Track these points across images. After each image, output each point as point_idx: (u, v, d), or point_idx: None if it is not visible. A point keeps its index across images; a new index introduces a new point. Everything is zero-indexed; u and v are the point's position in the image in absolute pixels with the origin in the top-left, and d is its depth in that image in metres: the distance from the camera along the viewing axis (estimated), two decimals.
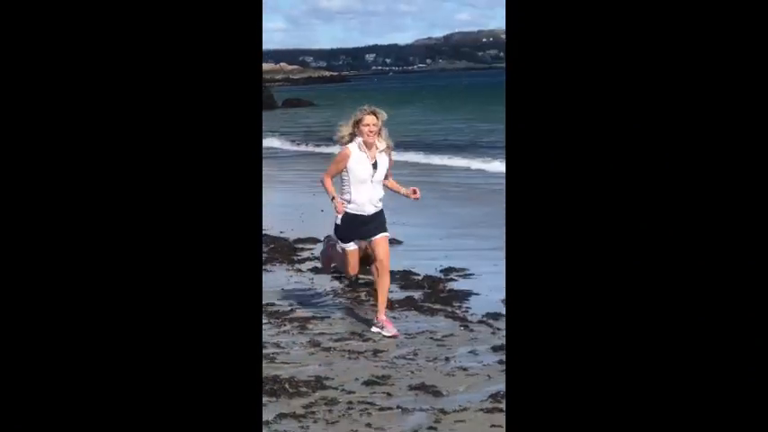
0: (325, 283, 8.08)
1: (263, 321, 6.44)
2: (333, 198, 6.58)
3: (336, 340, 6.23)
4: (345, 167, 6.52)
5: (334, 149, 7.70)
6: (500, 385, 5.23)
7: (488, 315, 6.88)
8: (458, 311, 7.06)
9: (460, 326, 6.64)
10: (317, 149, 25.87)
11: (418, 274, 8.21)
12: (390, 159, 6.70)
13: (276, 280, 8.10)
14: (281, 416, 4.63)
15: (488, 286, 7.82)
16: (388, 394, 5.09)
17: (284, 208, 12.44)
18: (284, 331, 6.44)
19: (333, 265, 7.47)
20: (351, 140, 6.52)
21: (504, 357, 5.85)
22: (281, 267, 8.70)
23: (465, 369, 5.63)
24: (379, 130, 6.52)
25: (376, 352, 5.99)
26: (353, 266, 6.91)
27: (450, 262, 8.68)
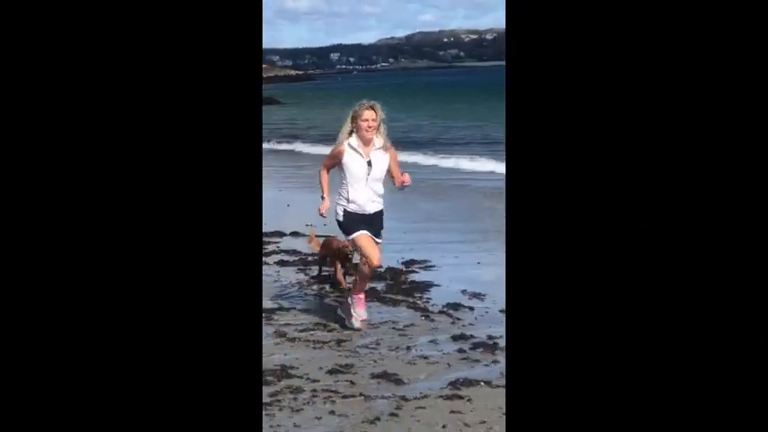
0: (290, 275, 8.08)
1: None
2: (322, 197, 6.37)
3: (301, 331, 6.23)
4: (341, 164, 6.22)
5: (302, 147, 7.65)
6: (459, 373, 5.29)
7: (449, 305, 6.93)
8: (419, 302, 7.10)
9: (422, 316, 6.66)
10: (283, 147, 25.79)
11: (381, 267, 8.23)
12: (394, 158, 6.39)
13: None
14: None
15: (449, 277, 7.88)
16: (352, 382, 5.11)
17: None
18: None
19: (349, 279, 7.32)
20: (350, 137, 6.23)
21: (463, 346, 5.91)
22: None
23: (426, 358, 5.66)
24: (378, 125, 6.22)
25: (339, 342, 6.00)
26: (373, 250, 6.26)
27: (413, 255, 8.70)
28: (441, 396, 4.85)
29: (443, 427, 4.37)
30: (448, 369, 5.44)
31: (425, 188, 14.75)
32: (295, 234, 10.00)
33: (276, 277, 7.99)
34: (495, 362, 5.59)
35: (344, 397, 4.82)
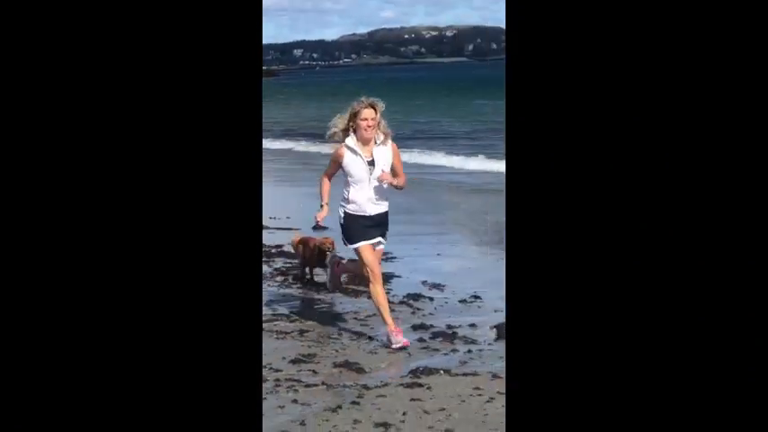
0: None
1: None
2: (321, 205, 5.95)
3: (265, 321, 6.21)
4: (342, 167, 5.81)
5: (265, 143, 7.53)
6: (419, 362, 5.31)
7: (409, 296, 6.96)
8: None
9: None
10: None
11: (343, 258, 8.22)
12: (397, 154, 5.95)
13: None
14: None
15: (409, 269, 7.91)
16: (314, 372, 5.10)
17: None
18: None
19: (344, 278, 7.12)
20: (346, 136, 5.76)
21: (423, 336, 5.93)
22: None
23: (387, 347, 5.67)
24: (378, 123, 5.76)
25: (302, 332, 5.99)
26: (375, 263, 5.90)
27: None
28: (401, 384, 4.86)
29: (404, 414, 4.38)
30: (408, 358, 5.46)
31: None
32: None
33: None
34: (454, 350, 5.62)
35: (307, 386, 4.81)
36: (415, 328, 6.07)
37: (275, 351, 5.47)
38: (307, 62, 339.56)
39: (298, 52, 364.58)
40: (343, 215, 5.87)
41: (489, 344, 5.75)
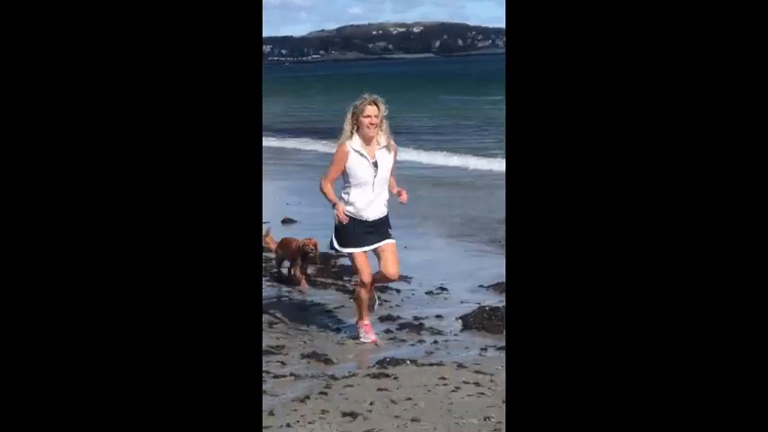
0: None
1: None
2: (334, 204, 5.49)
3: None
4: (345, 169, 5.48)
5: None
6: (386, 353, 5.32)
7: (376, 288, 6.91)
8: (348, 285, 7.10)
9: (350, 298, 6.67)
10: None
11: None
12: (395, 155, 5.66)
13: None
14: None
15: (376, 261, 7.88)
16: (282, 363, 5.09)
17: None
18: None
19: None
20: (351, 136, 5.48)
21: (390, 327, 5.94)
22: None
23: (354, 338, 5.68)
24: (381, 122, 5.49)
25: (271, 324, 5.97)
26: (365, 269, 5.62)
27: None
28: (368, 375, 4.86)
29: (371, 403, 4.38)
30: (375, 349, 5.47)
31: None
32: None
33: None
34: (420, 341, 5.63)
35: (275, 377, 4.80)
36: (383, 319, 6.07)
37: None
38: (275, 58, 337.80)
39: (266, 48, 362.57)
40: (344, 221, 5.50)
41: (455, 334, 5.77)
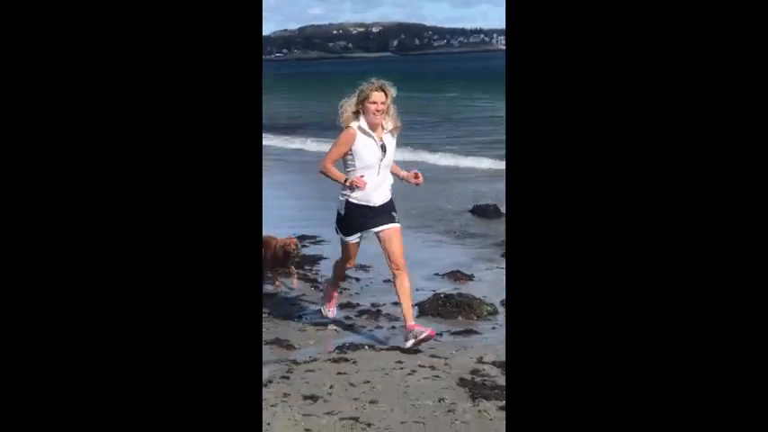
0: None
1: None
2: (345, 180, 5.06)
3: None
4: (350, 151, 5.04)
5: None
6: (345, 338, 5.34)
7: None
8: (309, 274, 7.10)
9: (311, 286, 6.66)
10: None
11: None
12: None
13: None
14: None
15: (337, 251, 7.87)
16: None
17: None
18: None
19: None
20: (355, 120, 5.06)
21: (350, 314, 5.95)
22: None
23: (315, 325, 5.68)
24: (388, 108, 5.07)
25: None
26: (352, 258, 5.43)
27: (306, 230, 8.68)
28: (328, 359, 4.87)
29: (331, 387, 4.39)
30: (336, 335, 5.48)
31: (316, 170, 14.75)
32: None
33: None
34: (378, 327, 5.66)
35: None
36: (342, 306, 6.08)
37: None
38: None
39: None
40: (344, 204, 5.16)
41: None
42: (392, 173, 5.26)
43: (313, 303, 6.16)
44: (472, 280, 6.95)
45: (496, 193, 10.77)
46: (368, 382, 4.50)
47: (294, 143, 20.73)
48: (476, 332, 5.56)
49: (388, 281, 6.87)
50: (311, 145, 19.69)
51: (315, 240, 8.40)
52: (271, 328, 5.55)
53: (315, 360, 4.86)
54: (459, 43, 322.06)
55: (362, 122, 5.03)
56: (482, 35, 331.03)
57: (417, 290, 6.47)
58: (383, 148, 5.08)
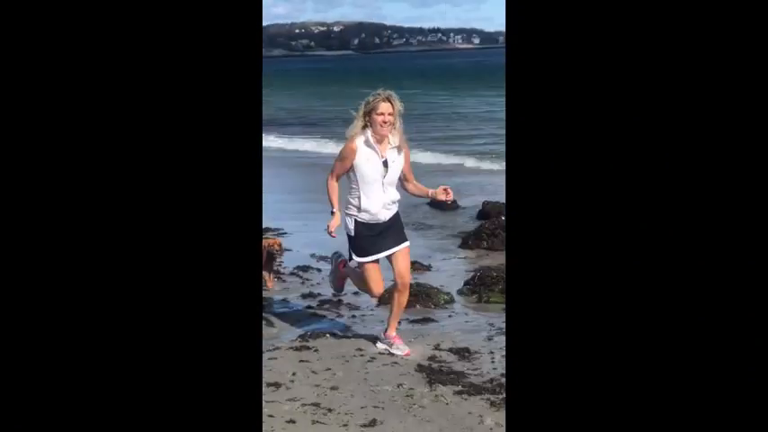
0: None
1: None
2: (332, 211, 4.77)
3: None
4: (352, 166, 4.71)
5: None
6: (308, 327, 5.34)
7: (299, 267, 6.96)
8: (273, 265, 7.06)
9: (275, 278, 6.63)
10: None
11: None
12: (407, 156, 4.85)
13: None
14: None
15: (300, 243, 7.89)
16: None
17: None
18: None
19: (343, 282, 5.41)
20: (361, 134, 4.69)
21: (312, 303, 5.94)
22: None
23: (278, 314, 5.66)
24: (395, 120, 4.68)
25: None
26: (377, 283, 4.90)
27: (270, 224, 8.64)
28: (291, 347, 4.86)
29: (293, 374, 4.38)
30: (298, 323, 5.47)
31: (281, 165, 14.70)
32: None
33: None
34: (339, 316, 5.66)
35: None
36: (305, 296, 6.08)
37: None
38: None
39: None
40: (353, 225, 4.79)
41: (371, 309, 5.81)
42: (417, 194, 4.95)
43: (277, 293, 6.14)
44: (430, 270, 6.98)
45: (454, 187, 10.80)
46: (329, 369, 4.51)
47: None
48: (433, 320, 5.59)
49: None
50: (275, 141, 19.59)
51: (278, 233, 8.39)
52: None
53: (278, 348, 4.85)
54: (417, 42, 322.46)
55: (368, 136, 4.66)
56: (440, 34, 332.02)
57: None
58: (385, 164, 4.70)
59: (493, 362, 4.65)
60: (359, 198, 4.70)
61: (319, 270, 6.91)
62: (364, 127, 4.67)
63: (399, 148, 4.74)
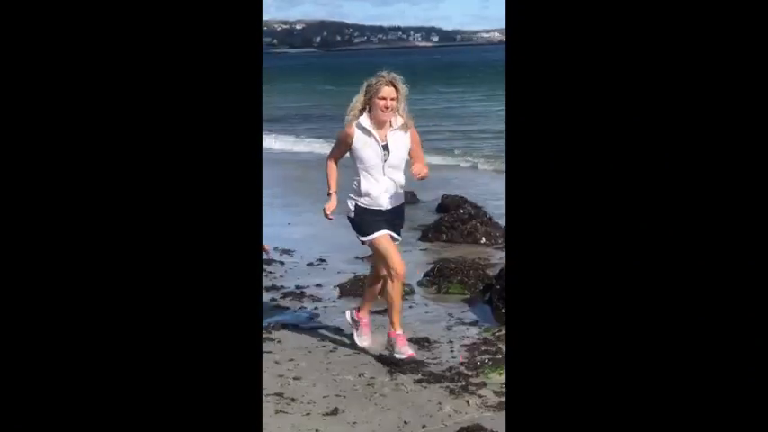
0: None
1: None
2: (329, 193, 4.54)
3: None
4: (351, 150, 4.44)
5: None
6: (271, 318, 5.30)
7: (262, 261, 6.90)
8: None
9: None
10: None
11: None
12: (414, 137, 4.50)
13: None
14: None
15: (263, 236, 7.82)
16: None
17: None
18: None
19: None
20: (360, 115, 4.39)
21: (275, 296, 5.90)
22: None
23: None
24: (397, 106, 4.37)
25: None
26: (397, 253, 4.54)
27: None
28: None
29: None
30: (263, 313, 5.44)
31: None
32: None
33: None
34: (302, 308, 5.63)
35: None
36: (268, 289, 6.03)
37: None
38: None
39: None
40: (353, 208, 4.50)
41: (333, 301, 5.80)
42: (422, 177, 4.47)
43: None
44: None
45: (414, 182, 10.81)
46: (292, 359, 4.49)
47: None
48: None
49: (311, 264, 6.86)
50: None
51: None
52: None
53: None
54: (378, 40, 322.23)
55: (364, 120, 4.36)
56: (400, 32, 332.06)
57: (339, 272, 6.47)
58: (386, 148, 4.38)
59: (452, 351, 4.67)
60: (359, 182, 4.45)
61: (282, 263, 6.87)
62: (363, 110, 4.38)
63: (404, 129, 4.42)
